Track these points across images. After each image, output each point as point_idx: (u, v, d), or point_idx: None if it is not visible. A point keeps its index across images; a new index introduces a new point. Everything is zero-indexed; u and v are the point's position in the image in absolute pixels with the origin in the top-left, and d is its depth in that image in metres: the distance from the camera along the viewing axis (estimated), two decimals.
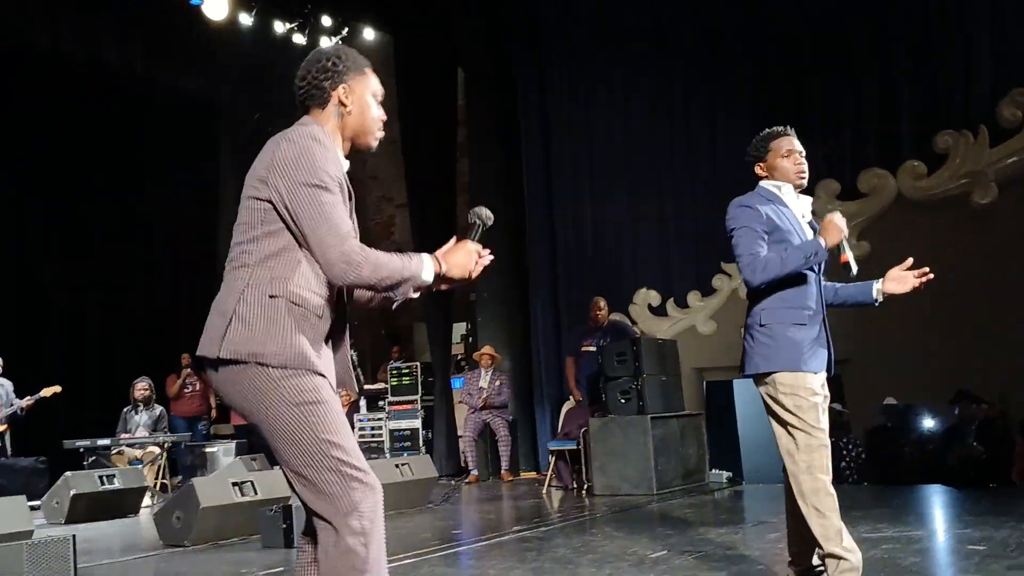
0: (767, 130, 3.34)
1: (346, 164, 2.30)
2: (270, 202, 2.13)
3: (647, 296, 9.30)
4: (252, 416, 2.13)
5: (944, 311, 7.54)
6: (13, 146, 10.30)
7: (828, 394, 3.24)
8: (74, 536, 4.47)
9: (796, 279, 3.16)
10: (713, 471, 7.76)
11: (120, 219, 11.27)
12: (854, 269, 3.11)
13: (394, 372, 10.50)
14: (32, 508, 7.29)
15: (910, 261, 3.27)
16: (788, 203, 3.22)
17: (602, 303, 8.32)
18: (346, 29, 11.08)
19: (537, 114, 10.16)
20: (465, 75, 10.82)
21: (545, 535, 5.26)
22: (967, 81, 7.80)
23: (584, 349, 8.18)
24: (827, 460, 3.09)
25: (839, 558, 3.01)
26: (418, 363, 10.73)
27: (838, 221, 3.07)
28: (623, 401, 7.31)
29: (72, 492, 7.06)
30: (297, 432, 2.06)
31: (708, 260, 8.73)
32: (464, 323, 11.96)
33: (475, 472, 9.22)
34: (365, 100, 2.31)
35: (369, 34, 11.18)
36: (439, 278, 2.18)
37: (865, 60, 8.30)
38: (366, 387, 11.34)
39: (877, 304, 3.31)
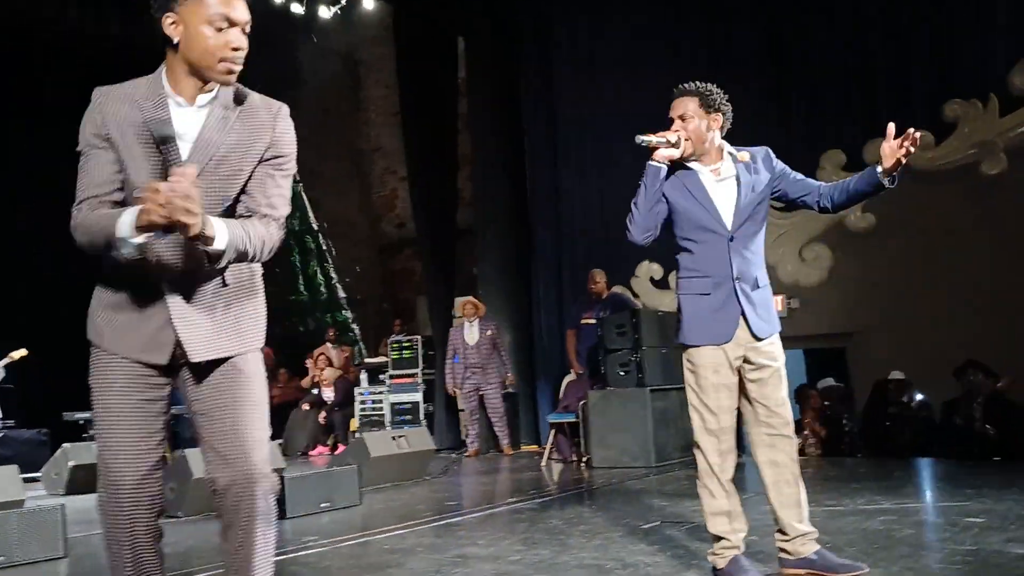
0: None
1: (193, 106, 2.07)
2: None
3: (649, 269, 9.19)
4: None
5: (952, 283, 7.43)
6: (20, 118, 10.23)
7: (771, 364, 3.09)
8: (63, 505, 4.46)
9: (694, 245, 3.08)
10: None
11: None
12: (640, 138, 3.18)
13: (395, 345, 10.45)
14: (34, 479, 7.35)
15: (892, 129, 2.91)
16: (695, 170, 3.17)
17: (599, 275, 8.21)
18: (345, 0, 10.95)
19: (540, 85, 10.01)
20: (466, 45, 10.67)
21: (539, 507, 5.21)
22: (977, 49, 7.62)
23: (584, 322, 8.09)
24: (723, 444, 3.09)
25: (720, 537, 3.08)
26: (419, 336, 10.68)
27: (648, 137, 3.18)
28: (622, 373, 7.24)
29: (71, 463, 7.07)
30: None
31: None
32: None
33: (476, 445, 9.18)
34: (197, 29, 2.01)
35: (369, 3, 11.05)
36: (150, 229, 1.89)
37: (873, 29, 8.12)
38: (367, 360, 11.33)
39: (891, 184, 2.93)
